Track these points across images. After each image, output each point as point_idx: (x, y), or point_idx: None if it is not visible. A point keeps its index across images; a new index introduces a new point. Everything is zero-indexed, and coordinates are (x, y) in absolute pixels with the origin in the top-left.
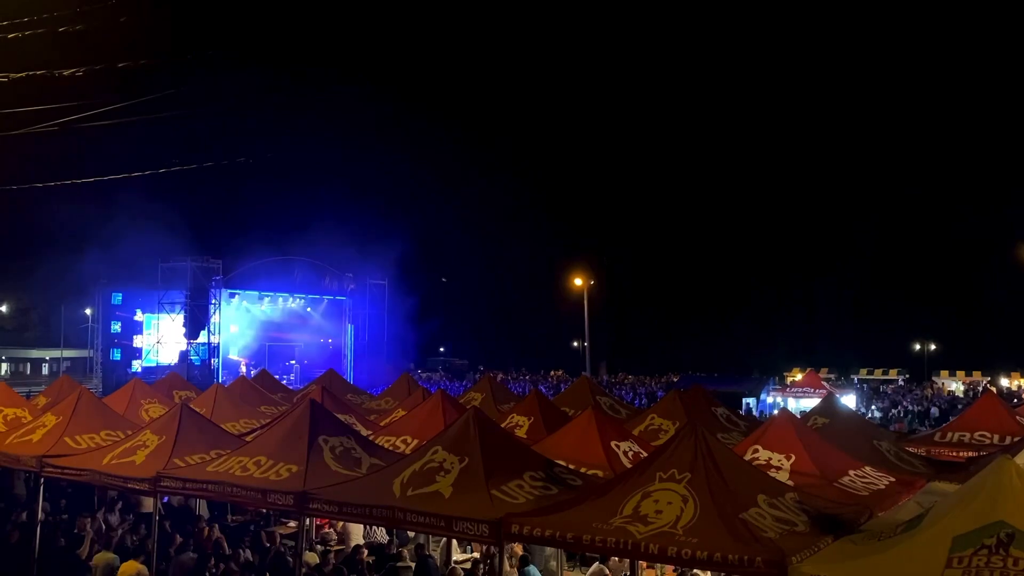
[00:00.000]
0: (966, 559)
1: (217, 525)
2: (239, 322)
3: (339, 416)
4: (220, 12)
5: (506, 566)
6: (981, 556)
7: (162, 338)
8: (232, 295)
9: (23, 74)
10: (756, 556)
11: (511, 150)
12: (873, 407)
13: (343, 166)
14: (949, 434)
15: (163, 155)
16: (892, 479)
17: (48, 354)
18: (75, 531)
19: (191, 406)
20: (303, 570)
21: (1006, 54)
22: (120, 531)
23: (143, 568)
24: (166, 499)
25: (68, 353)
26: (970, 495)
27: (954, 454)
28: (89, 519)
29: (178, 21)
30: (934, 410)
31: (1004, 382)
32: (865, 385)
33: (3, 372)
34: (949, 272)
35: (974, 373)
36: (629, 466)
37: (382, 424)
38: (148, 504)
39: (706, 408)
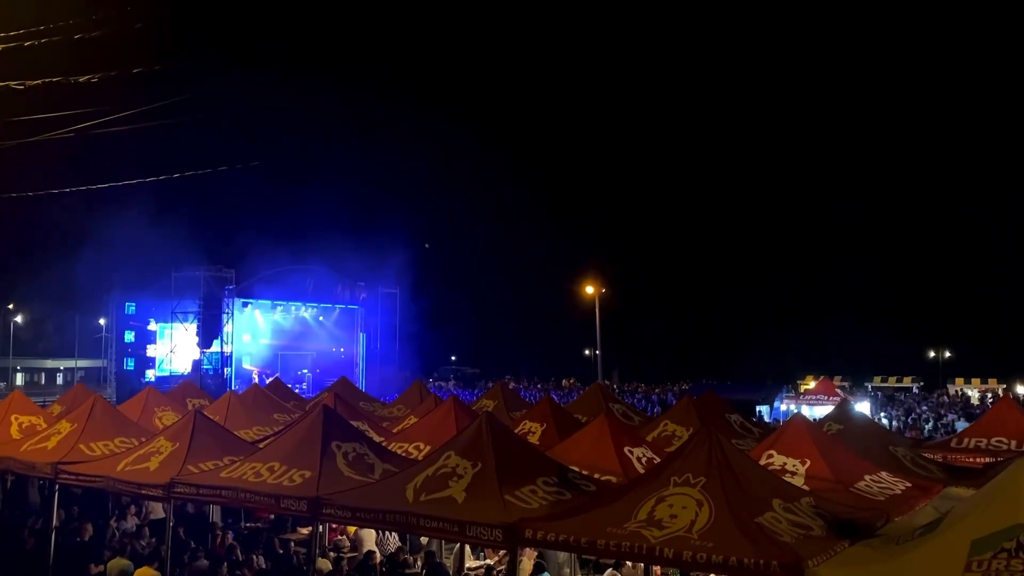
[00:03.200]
0: (985, 562)
1: (231, 532)
2: (252, 331)
3: (352, 423)
4: (235, 19)
5: (525, 565)
6: (1000, 559)
7: (175, 347)
8: (245, 304)
9: (39, 81)
10: (772, 560)
11: (523, 159)
12: (882, 414)
13: (356, 175)
14: (966, 440)
15: (177, 163)
16: (908, 484)
17: (62, 364)
18: (76, 539)
19: (204, 413)
20: None
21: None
22: (135, 537)
23: (157, 574)
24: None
25: (82, 363)
26: (988, 498)
27: (971, 460)
28: (90, 524)
29: (192, 28)
30: (951, 416)
31: (1020, 389)
32: (879, 393)
33: (17, 382)
34: (963, 278)
35: (990, 380)
36: (643, 472)
37: (395, 430)
38: (160, 511)
39: (720, 415)
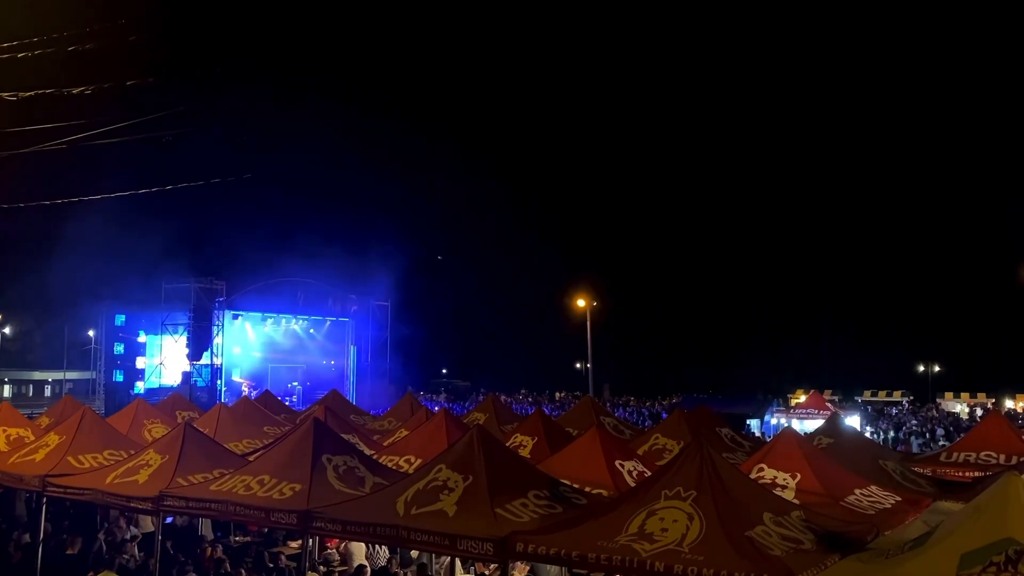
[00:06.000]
0: None
1: (220, 546)
2: (242, 343)
3: (342, 436)
4: (228, 33)
5: None
6: (989, 573)
7: (165, 360)
8: (235, 316)
9: (32, 92)
10: (763, 574)
11: (515, 172)
12: (871, 429)
13: (347, 188)
14: (955, 454)
15: (167, 175)
16: (898, 498)
17: (51, 376)
18: (64, 552)
19: (194, 426)
20: None
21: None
22: (120, 550)
23: None
24: (170, 520)
25: (71, 375)
26: (978, 512)
27: (960, 474)
28: (79, 537)
29: (185, 41)
30: (939, 431)
31: (1009, 404)
32: (869, 407)
33: (5, 394)
34: (953, 293)
35: (979, 395)
36: (633, 485)
37: (385, 444)
38: (150, 524)
39: (710, 428)
